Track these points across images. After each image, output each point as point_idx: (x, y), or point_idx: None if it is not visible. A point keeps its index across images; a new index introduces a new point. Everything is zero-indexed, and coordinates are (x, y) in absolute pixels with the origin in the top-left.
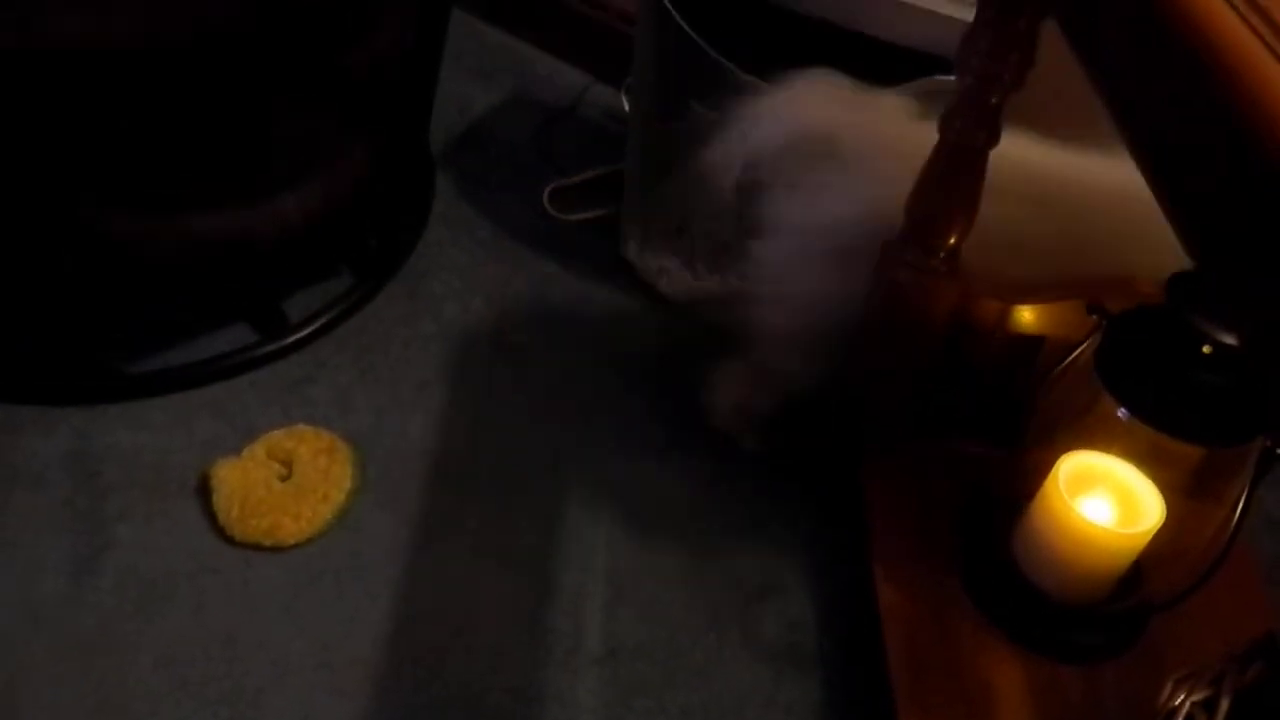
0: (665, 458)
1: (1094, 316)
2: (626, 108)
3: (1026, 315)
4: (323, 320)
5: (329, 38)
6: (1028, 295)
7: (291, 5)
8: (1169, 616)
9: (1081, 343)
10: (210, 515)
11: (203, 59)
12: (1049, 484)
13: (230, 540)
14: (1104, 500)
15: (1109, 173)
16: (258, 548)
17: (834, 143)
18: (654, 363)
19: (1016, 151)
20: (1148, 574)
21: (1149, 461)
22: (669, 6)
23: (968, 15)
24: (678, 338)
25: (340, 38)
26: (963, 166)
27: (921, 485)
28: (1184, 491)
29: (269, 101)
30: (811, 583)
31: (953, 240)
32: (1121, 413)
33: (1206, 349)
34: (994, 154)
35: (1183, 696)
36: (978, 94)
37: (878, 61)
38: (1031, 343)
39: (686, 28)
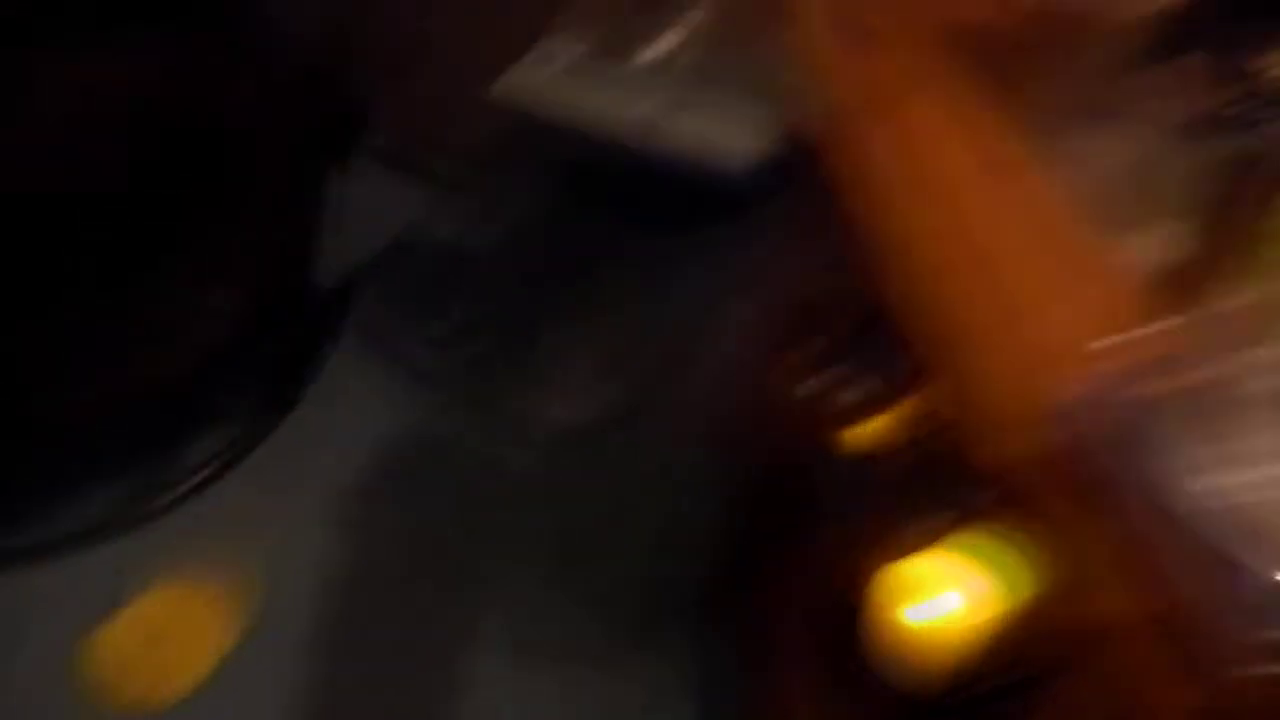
0: (550, 583)
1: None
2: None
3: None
4: (209, 470)
5: (199, 194)
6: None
7: (165, 166)
8: None
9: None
10: (91, 681)
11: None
12: (875, 595)
13: (111, 706)
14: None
15: None
16: (139, 711)
17: None
18: (543, 490)
19: None
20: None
21: None
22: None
23: None
24: (566, 465)
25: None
26: None
27: (798, 596)
28: None
29: (137, 262)
30: (695, 701)
31: None
32: None
33: None
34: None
35: None
36: None
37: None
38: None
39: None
